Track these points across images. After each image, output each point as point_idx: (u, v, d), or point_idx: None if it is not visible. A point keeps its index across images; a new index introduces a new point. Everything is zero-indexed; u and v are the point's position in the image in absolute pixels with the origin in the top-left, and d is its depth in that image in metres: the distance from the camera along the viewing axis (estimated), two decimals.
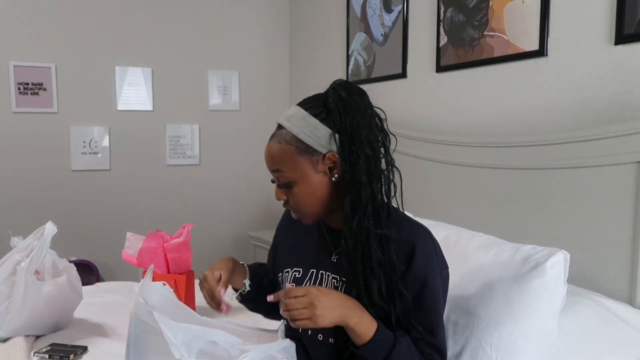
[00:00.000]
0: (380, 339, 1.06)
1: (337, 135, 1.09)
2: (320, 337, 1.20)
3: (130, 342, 1.04)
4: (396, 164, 1.16)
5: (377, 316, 1.09)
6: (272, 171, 1.16)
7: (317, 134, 1.10)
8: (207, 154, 3.56)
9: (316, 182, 1.12)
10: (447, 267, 1.17)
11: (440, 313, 1.14)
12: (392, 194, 1.14)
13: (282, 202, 1.19)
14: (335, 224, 1.21)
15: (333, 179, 1.12)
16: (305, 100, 1.16)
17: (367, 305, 1.09)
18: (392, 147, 1.16)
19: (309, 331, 1.21)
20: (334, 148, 1.10)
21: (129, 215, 3.37)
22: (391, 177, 1.13)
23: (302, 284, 1.22)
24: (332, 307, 1.03)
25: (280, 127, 1.15)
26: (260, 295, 1.27)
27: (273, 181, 1.19)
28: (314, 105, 1.13)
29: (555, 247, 1.33)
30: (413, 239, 1.11)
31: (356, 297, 1.09)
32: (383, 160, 1.13)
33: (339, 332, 1.11)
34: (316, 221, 1.21)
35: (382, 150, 1.13)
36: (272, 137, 1.16)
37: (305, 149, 1.10)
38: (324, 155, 1.10)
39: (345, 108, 1.09)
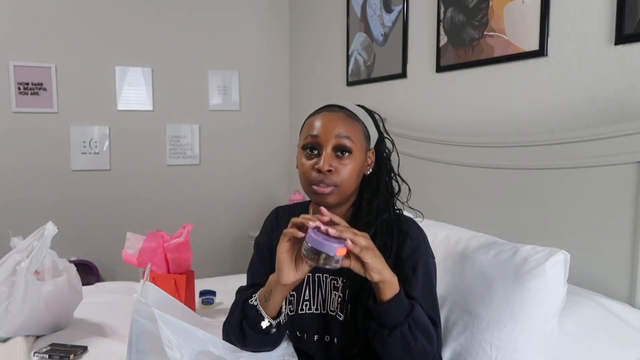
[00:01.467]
0: (403, 298, 1.08)
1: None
2: (315, 338, 1.21)
3: (131, 341, 1.04)
4: (396, 164, 1.29)
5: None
6: (337, 136, 1.14)
7: (372, 131, 1.22)
8: (207, 154, 3.56)
9: (362, 167, 1.19)
10: (434, 257, 1.23)
11: (434, 293, 1.19)
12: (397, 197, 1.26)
13: (323, 173, 1.13)
14: None
15: (367, 172, 1.21)
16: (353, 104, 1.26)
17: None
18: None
19: (305, 334, 1.22)
20: (373, 148, 1.23)
21: (129, 215, 3.37)
22: (397, 194, 1.27)
23: (301, 289, 1.23)
24: (378, 255, 1.05)
25: (339, 107, 1.20)
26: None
27: (306, 147, 1.17)
28: (364, 109, 1.25)
29: (555, 247, 1.33)
30: (406, 227, 1.21)
31: (360, 287, 1.14)
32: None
33: (333, 330, 1.15)
34: (338, 204, 1.19)
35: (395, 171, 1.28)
36: (333, 111, 1.19)
37: (367, 136, 1.20)
38: (370, 149, 1.22)
39: (377, 127, 1.25)
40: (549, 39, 1.80)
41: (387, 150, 1.26)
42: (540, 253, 1.32)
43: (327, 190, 1.14)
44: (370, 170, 1.22)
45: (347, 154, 1.14)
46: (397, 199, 1.26)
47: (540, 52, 1.82)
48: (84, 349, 1.52)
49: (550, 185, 1.73)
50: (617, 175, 1.52)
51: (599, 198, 1.58)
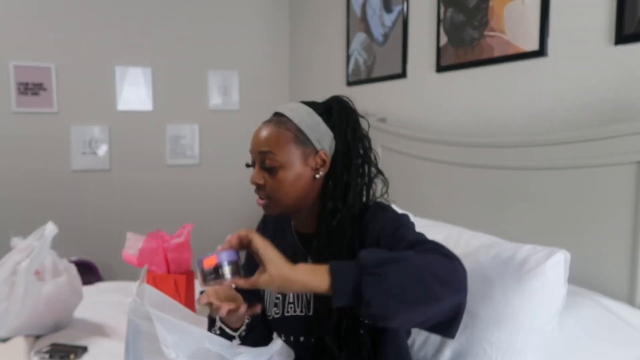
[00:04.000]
0: (340, 275, 0.93)
1: (336, 138, 1.17)
2: (301, 339, 1.21)
3: (128, 342, 1.04)
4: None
5: (347, 318, 1.10)
6: (260, 152, 1.16)
7: (319, 130, 1.16)
8: (207, 154, 3.56)
9: (300, 174, 1.15)
10: (407, 215, 1.16)
11: (421, 234, 1.09)
12: (376, 198, 1.20)
13: (256, 187, 1.18)
14: (304, 228, 1.24)
15: (317, 176, 1.16)
16: (306, 101, 1.22)
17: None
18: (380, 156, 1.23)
19: (292, 336, 1.22)
20: (328, 149, 1.17)
21: (129, 215, 3.37)
22: (374, 187, 1.20)
23: (287, 294, 1.23)
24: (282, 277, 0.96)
25: (279, 115, 1.19)
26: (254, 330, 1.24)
27: (248, 165, 1.21)
28: (316, 106, 1.20)
29: (555, 247, 1.33)
30: (368, 218, 1.13)
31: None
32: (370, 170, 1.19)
33: (317, 331, 1.14)
34: (279, 214, 1.20)
35: (373, 163, 1.20)
36: (267, 121, 1.20)
37: (303, 141, 1.15)
38: (317, 152, 1.16)
39: (347, 118, 1.18)
40: (549, 39, 1.80)
41: (347, 148, 1.16)
42: (540, 253, 1.32)
43: (262, 202, 1.19)
44: (321, 173, 1.16)
45: (272, 169, 1.14)
46: (380, 196, 1.21)
47: (540, 52, 1.82)
48: (84, 349, 1.52)
49: (550, 185, 1.73)
50: (617, 175, 1.52)
51: (599, 198, 1.58)
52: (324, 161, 1.16)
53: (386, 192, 1.23)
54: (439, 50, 2.29)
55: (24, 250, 1.58)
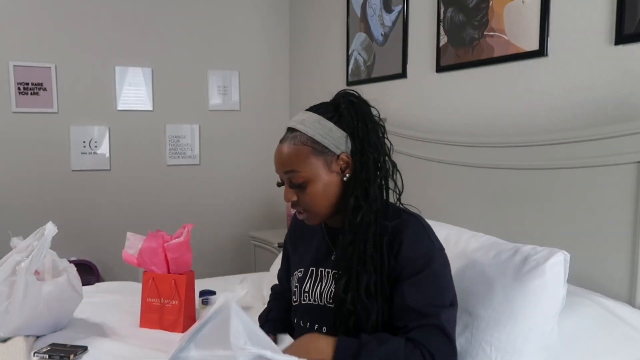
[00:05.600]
0: (342, 348, 1.08)
1: (350, 137, 1.18)
2: (315, 327, 1.24)
3: (202, 326, 0.99)
4: (397, 165, 1.24)
5: (357, 315, 1.13)
6: (285, 172, 1.19)
7: (333, 136, 1.17)
8: (207, 154, 3.56)
9: (329, 182, 1.18)
10: (442, 248, 1.20)
11: (443, 293, 1.15)
12: (395, 192, 1.23)
13: (291, 203, 1.22)
14: (336, 223, 1.26)
15: (345, 178, 1.18)
16: (313, 106, 1.24)
17: (353, 298, 1.13)
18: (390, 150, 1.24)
19: (308, 323, 1.26)
20: (346, 149, 1.18)
21: (129, 215, 3.37)
22: (394, 177, 1.22)
23: (304, 283, 1.28)
24: None
25: (292, 130, 1.20)
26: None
27: (279, 184, 1.24)
28: (325, 109, 1.21)
29: (555, 247, 1.33)
30: (402, 227, 1.16)
31: (344, 289, 1.14)
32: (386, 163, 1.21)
33: (327, 320, 1.18)
34: (322, 222, 1.25)
35: (387, 153, 1.21)
36: (283, 140, 1.21)
37: (321, 150, 1.17)
38: (338, 156, 1.18)
39: (356, 113, 1.18)
40: (549, 39, 1.80)
41: (361, 144, 1.17)
42: (540, 253, 1.32)
43: (302, 216, 1.23)
44: (348, 174, 1.18)
45: (300, 185, 1.17)
46: (397, 197, 1.24)
47: (540, 52, 1.82)
48: (84, 349, 1.52)
49: (550, 185, 1.73)
50: (617, 175, 1.52)
51: (599, 198, 1.58)
52: (346, 162, 1.18)
53: (396, 186, 1.24)
54: (439, 50, 2.29)
55: (23, 250, 1.58)
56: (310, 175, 1.16)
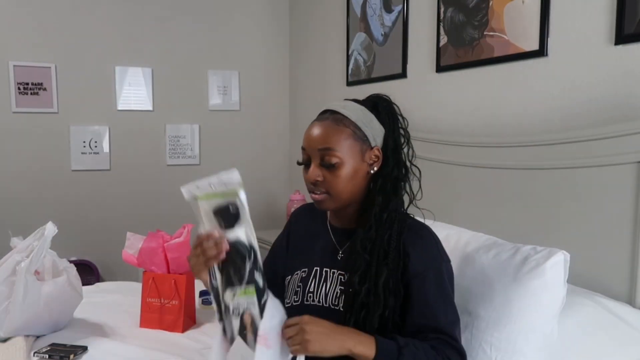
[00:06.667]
0: (384, 349, 1.06)
1: (385, 134, 1.22)
2: None
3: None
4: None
5: (367, 309, 1.12)
6: (320, 149, 1.17)
7: (373, 127, 1.20)
8: (207, 154, 3.56)
9: (358, 169, 1.18)
10: (449, 261, 1.21)
11: (448, 303, 1.16)
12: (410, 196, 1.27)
13: (312, 183, 1.20)
14: (341, 223, 1.27)
15: (372, 171, 1.20)
16: (351, 99, 1.25)
17: (369, 291, 1.12)
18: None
19: None
20: (380, 144, 1.21)
21: (129, 215, 3.37)
22: (411, 182, 1.27)
23: (308, 283, 1.26)
24: (322, 332, 1.04)
25: (332, 112, 1.20)
26: None
27: (300, 163, 1.23)
28: (364, 104, 1.23)
29: (555, 247, 1.33)
30: (418, 231, 1.20)
31: (360, 281, 1.14)
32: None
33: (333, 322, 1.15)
34: (335, 209, 1.24)
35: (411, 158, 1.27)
36: (321, 119, 1.21)
37: (361, 137, 1.18)
38: (372, 148, 1.20)
39: (392, 114, 1.25)
40: (549, 39, 1.80)
41: (394, 144, 1.23)
42: (540, 253, 1.32)
43: (320, 197, 1.20)
44: (376, 168, 1.21)
45: (333, 165, 1.16)
46: (412, 200, 1.26)
47: (540, 52, 1.82)
48: (84, 349, 1.52)
49: (550, 185, 1.73)
50: (617, 175, 1.52)
51: (599, 198, 1.58)
52: (377, 157, 1.20)
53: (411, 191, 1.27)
54: (439, 50, 2.29)
55: (23, 250, 1.58)
56: (345, 157, 1.16)
